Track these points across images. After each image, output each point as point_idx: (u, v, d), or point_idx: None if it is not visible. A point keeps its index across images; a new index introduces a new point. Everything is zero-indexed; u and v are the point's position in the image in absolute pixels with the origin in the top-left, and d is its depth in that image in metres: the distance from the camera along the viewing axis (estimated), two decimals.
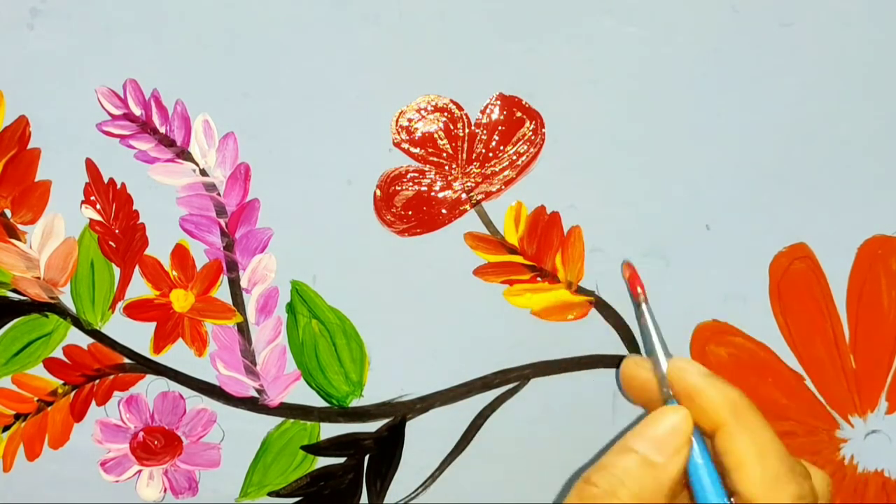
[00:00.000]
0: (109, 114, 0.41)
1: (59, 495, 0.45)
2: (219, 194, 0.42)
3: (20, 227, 0.42)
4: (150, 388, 0.43)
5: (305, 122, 0.41)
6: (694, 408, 0.33)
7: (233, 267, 0.42)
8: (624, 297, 0.42)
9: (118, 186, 0.42)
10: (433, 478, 0.43)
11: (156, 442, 0.44)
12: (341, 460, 0.44)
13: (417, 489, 0.44)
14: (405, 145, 0.41)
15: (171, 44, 0.40)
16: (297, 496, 0.44)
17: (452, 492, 0.43)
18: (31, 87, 0.41)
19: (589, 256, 0.41)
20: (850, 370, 0.42)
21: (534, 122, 0.40)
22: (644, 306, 0.37)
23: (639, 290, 0.38)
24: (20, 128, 0.41)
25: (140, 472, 0.44)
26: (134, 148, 0.41)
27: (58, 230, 0.42)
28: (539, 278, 0.42)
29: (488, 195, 0.41)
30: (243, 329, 0.43)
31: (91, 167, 0.42)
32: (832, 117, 0.40)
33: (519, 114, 0.40)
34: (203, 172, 0.42)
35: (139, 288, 0.43)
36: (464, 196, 0.41)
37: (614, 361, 0.42)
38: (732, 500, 0.32)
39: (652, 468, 0.31)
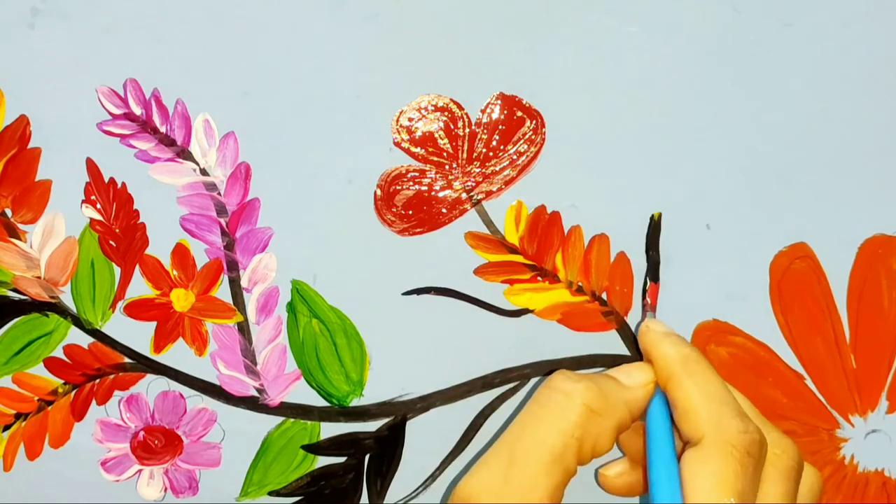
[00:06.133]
0: (110, 113, 0.41)
1: (60, 495, 0.45)
2: (219, 194, 0.42)
3: (20, 226, 0.42)
4: (150, 387, 0.44)
5: (305, 122, 0.41)
6: (652, 362, 0.35)
7: (233, 266, 0.42)
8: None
9: (118, 186, 0.42)
10: (433, 477, 0.43)
11: (156, 441, 0.44)
12: (342, 460, 0.44)
13: (417, 489, 0.44)
14: (405, 145, 0.41)
15: (171, 44, 0.40)
16: (297, 496, 0.44)
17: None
18: (31, 87, 0.41)
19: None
20: (851, 370, 0.42)
21: (534, 122, 0.40)
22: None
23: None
24: (20, 127, 0.41)
25: (140, 471, 0.44)
26: (134, 147, 0.41)
27: (58, 229, 0.42)
28: (539, 278, 0.42)
29: (489, 194, 0.41)
30: (244, 328, 0.43)
31: (91, 166, 0.42)
32: (833, 117, 0.40)
33: (519, 113, 0.40)
34: (203, 172, 0.42)
35: (139, 287, 0.43)
36: (464, 195, 0.41)
37: (614, 361, 0.42)
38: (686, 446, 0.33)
39: (618, 384, 0.34)
